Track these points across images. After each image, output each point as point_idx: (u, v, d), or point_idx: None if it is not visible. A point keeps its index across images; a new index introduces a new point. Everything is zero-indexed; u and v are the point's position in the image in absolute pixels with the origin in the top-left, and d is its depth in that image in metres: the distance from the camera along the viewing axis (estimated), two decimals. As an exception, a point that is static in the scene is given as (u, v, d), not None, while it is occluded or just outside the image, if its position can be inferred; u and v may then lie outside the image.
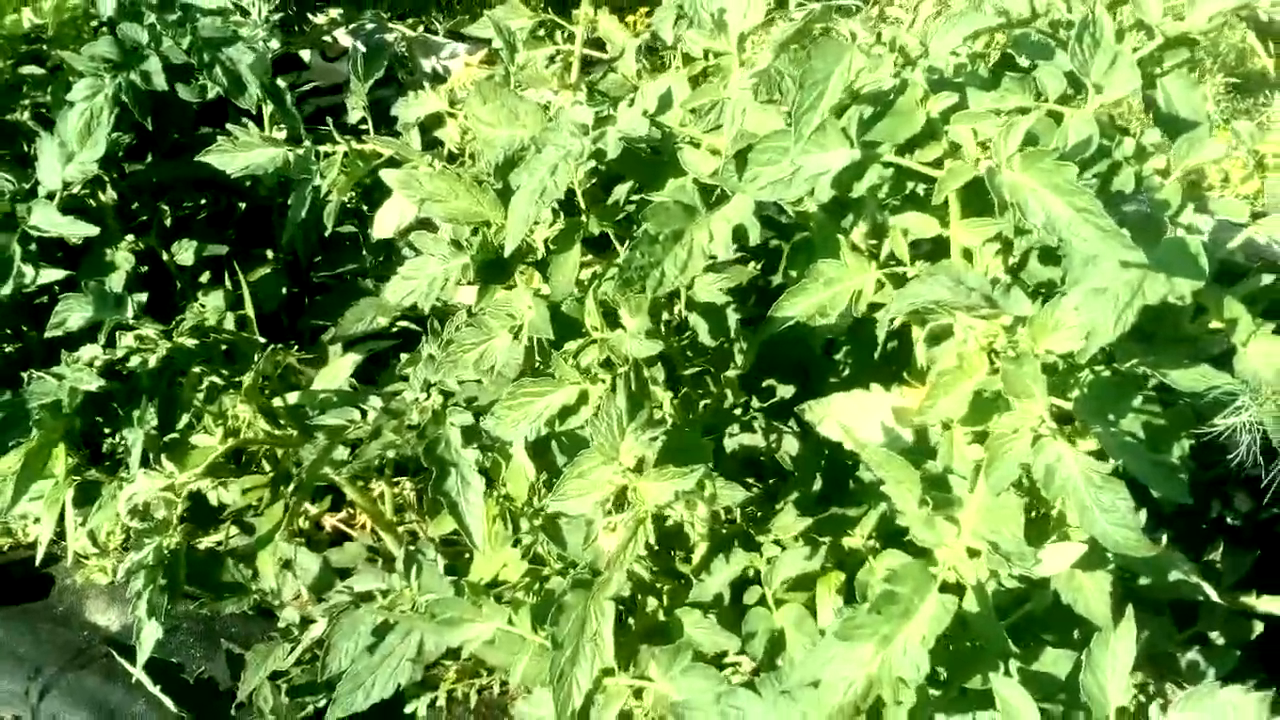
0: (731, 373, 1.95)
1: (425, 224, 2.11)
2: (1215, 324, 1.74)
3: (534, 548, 2.27)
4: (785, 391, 2.13)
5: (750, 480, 2.23)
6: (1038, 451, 1.46)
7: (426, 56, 3.74)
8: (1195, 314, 1.76)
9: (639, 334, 1.68)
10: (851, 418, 1.73)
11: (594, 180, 2.01)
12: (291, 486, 2.08)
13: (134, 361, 2.17)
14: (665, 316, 2.00)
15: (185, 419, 2.17)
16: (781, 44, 1.67)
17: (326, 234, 2.22)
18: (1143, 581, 2.08)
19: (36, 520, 2.76)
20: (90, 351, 2.17)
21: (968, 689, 1.74)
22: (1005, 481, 1.50)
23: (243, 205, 2.88)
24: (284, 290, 2.89)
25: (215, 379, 2.20)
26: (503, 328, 1.83)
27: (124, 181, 2.60)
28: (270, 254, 2.94)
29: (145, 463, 2.16)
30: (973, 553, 1.56)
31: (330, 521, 2.92)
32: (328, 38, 3.81)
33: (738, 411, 2.04)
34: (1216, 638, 2.23)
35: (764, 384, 2.10)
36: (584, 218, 1.89)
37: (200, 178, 2.69)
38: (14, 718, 2.65)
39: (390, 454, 2.35)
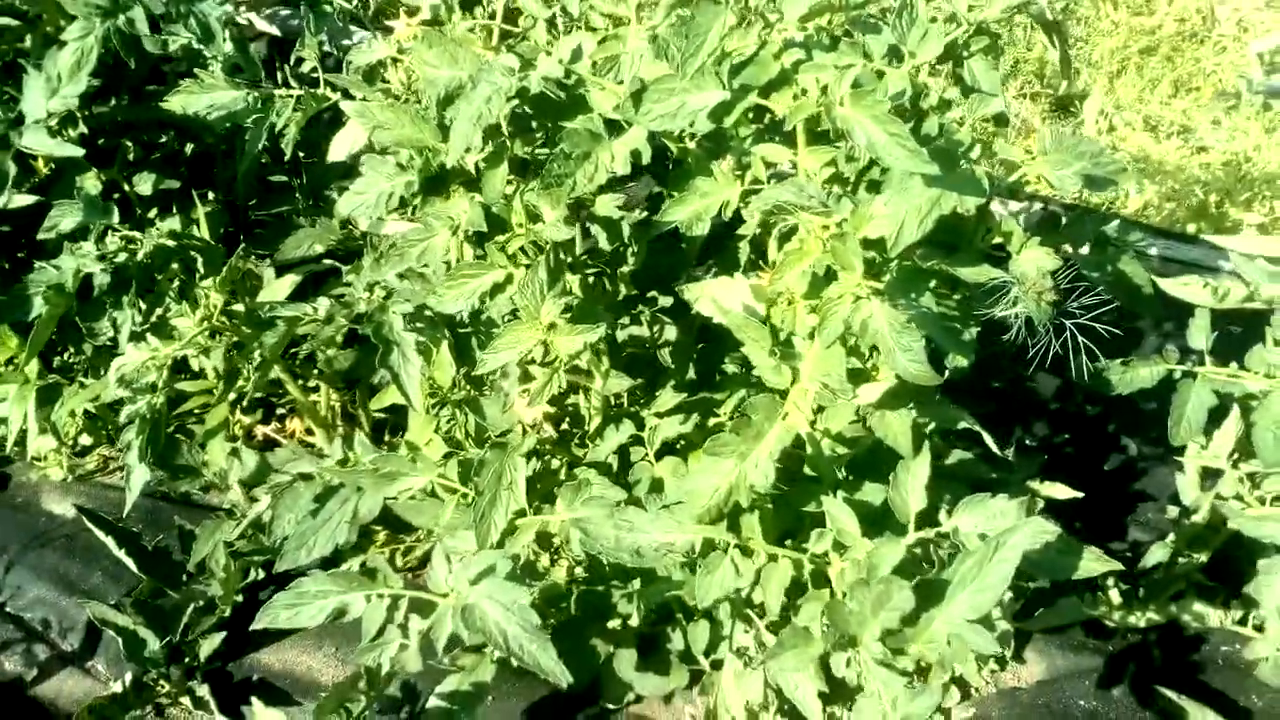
0: (624, 269, 2.42)
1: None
2: (997, 239, 2.28)
3: (453, 430, 2.71)
4: (665, 301, 2.61)
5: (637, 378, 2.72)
6: (856, 310, 1.96)
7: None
8: (986, 232, 2.31)
9: (557, 223, 2.14)
10: (720, 296, 2.22)
11: (512, 121, 2.47)
12: (255, 365, 2.47)
13: (121, 258, 2.56)
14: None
15: (161, 310, 2.56)
16: (670, 5, 2.16)
17: (285, 158, 2.63)
18: (948, 463, 2.62)
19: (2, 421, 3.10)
20: (86, 247, 2.56)
21: (806, 512, 2.24)
22: (833, 336, 1.99)
23: (190, 149, 3.27)
24: (223, 228, 3.28)
25: (185, 276, 2.60)
26: (443, 226, 2.28)
27: (91, 120, 2.97)
28: (211, 195, 3.33)
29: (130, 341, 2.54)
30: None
31: (262, 431, 3.32)
32: (243, 19, 4.22)
33: (629, 307, 2.51)
34: (1007, 513, 2.76)
35: (649, 295, 2.58)
36: (509, 143, 2.34)
37: (156, 120, 3.09)
38: (-20, 592, 3.00)
39: (331, 351, 2.79)
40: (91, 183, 2.89)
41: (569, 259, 2.29)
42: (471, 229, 2.22)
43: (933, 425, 2.42)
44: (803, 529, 2.25)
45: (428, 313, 2.49)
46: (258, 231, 3.24)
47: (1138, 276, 2.53)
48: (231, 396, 3.09)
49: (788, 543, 2.24)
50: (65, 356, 3.28)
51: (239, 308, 2.68)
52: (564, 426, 2.59)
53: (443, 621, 2.17)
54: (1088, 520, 3.15)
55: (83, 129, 2.94)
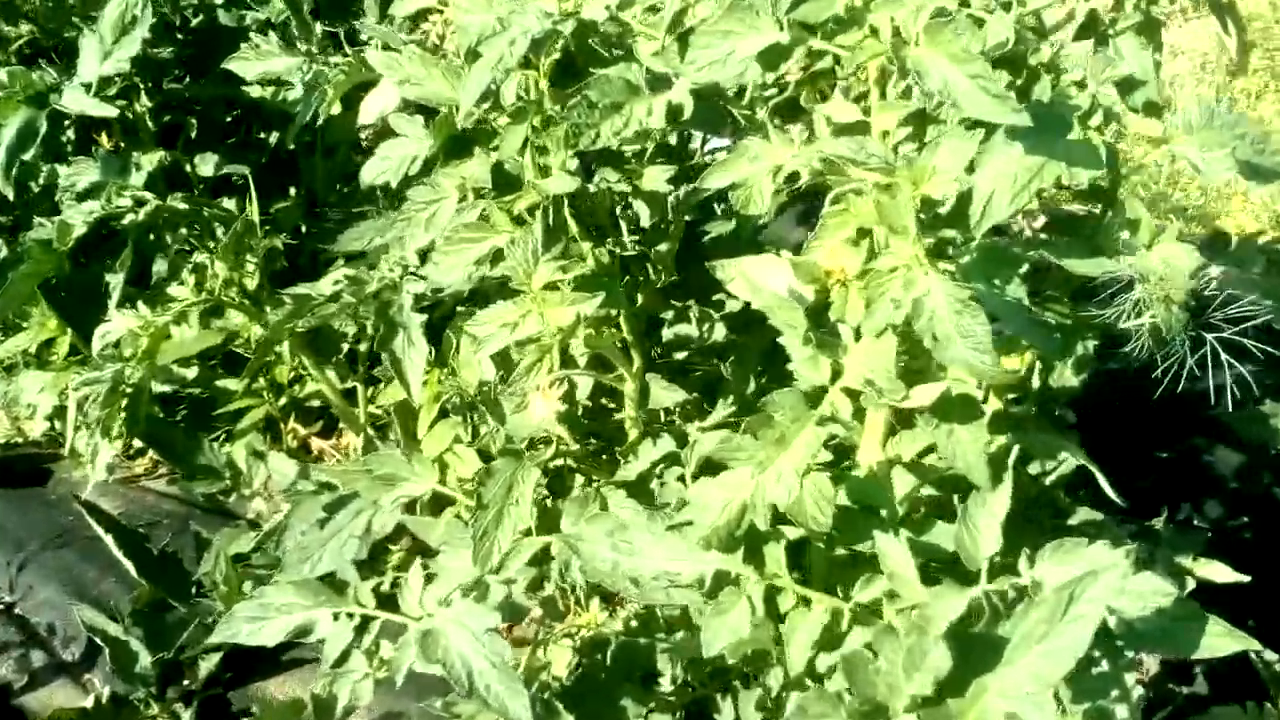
0: (663, 247, 2.04)
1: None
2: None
3: (489, 444, 2.37)
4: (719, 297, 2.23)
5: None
6: (909, 286, 1.54)
7: None
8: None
9: (561, 174, 1.79)
10: (758, 276, 1.82)
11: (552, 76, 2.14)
12: (255, 347, 2.19)
13: (127, 220, 2.33)
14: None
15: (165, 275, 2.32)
16: (717, -68, 1.81)
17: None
18: (1072, 522, 2.14)
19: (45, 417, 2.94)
20: (90, 205, 2.34)
21: (859, 551, 1.80)
22: (883, 322, 1.57)
23: (273, 139, 3.07)
24: (300, 223, 3.07)
25: (195, 242, 2.36)
26: (453, 186, 1.95)
27: (156, 94, 2.79)
28: (293, 191, 3.12)
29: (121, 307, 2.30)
30: (852, 393, 1.63)
31: (319, 444, 3.05)
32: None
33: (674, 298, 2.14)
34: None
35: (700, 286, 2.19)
36: (543, 99, 2.01)
37: (233, 100, 2.90)
38: (-8, 590, 2.80)
39: (363, 347, 2.50)
40: (148, 159, 2.70)
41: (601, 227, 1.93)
42: (478, 187, 1.89)
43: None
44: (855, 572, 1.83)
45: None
46: (328, 225, 3.00)
47: (1328, 307, 2.04)
48: (283, 402, 2.85)
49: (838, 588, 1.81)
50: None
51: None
52: (602, 442, 2.22)
53: (405, 649, 1.82)
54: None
55: (146, 103, 2.76)
